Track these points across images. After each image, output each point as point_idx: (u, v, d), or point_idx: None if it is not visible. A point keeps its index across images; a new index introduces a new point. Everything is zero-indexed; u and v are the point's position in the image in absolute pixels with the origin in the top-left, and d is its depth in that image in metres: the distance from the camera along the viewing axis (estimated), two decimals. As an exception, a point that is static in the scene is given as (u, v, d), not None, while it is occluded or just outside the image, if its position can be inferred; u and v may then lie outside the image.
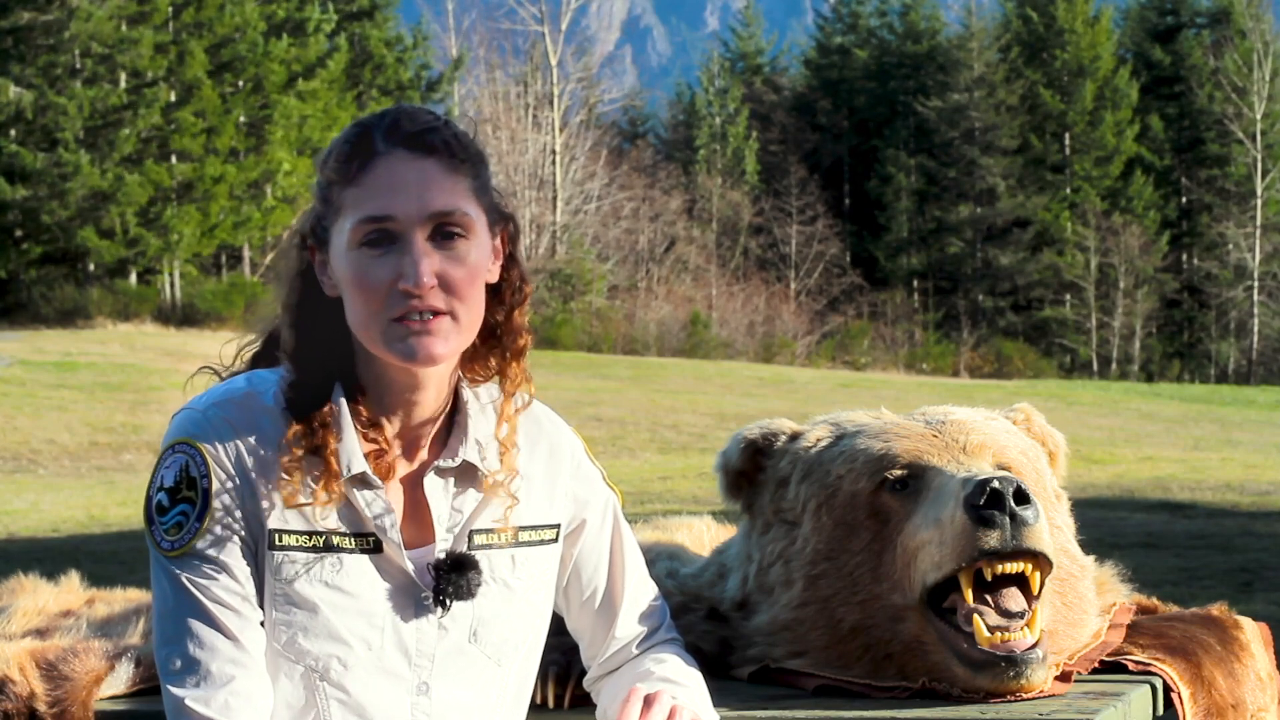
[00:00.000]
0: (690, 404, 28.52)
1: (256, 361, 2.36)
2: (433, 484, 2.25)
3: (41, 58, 41.09)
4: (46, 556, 10.17)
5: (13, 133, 40.54)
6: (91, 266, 41.87)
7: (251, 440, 2.19)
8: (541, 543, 2.33)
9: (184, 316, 40.06)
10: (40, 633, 3.10)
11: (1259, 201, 54.88)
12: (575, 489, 2.40)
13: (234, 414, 2.20)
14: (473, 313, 2.20)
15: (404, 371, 2.21)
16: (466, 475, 2.27)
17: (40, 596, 3.41)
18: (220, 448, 2.18)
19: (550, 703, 2.63)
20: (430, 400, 2.25)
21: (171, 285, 42.45)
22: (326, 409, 2.20)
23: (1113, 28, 58.57)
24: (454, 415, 2.29)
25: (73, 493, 18.04)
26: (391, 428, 2.25)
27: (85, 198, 40.23)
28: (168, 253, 41.56)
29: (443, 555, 2.23)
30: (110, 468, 21.59)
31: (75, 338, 35.37)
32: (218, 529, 2.16)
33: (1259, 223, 54.71)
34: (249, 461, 2.18)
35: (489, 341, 2.30)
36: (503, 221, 2.28)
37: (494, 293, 2.28)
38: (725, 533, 3.29)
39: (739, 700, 2.61)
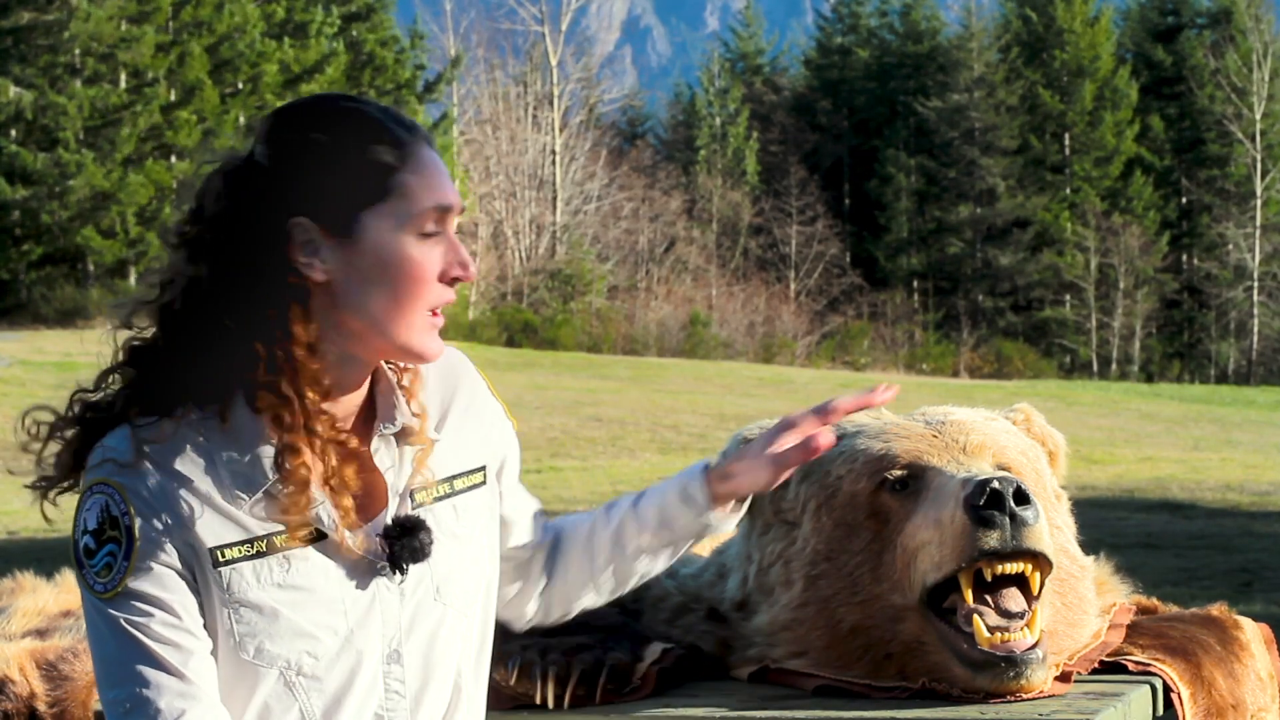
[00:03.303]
0: (690, 404, 28.49)
1: (136, 355, 2.26)
2: (379, 451, 2.21)
3: (41, 57, 41.07)
4: (46, 556, 10.14)
5: (13, 133, 40.54)
6: (91, 266, 41.87)
7: (173, 464, 2.12)
8: (474, 487, 2.31)
9: (184, 317, 40.02)
10: (40, 633, 3.10)
11: (1259, 202, 54.88)
12: (491, 430, 2.36)
13: (149, 437, 2.13)
14: None
15: (369, 362, 2.19)
16: (402, 435, 2.24)
17: (40, 596, 3.40)
18: (138, 480, 2.11)
19: (550, 703, 2.62)
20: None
21: (171, 285, 42.41)
22: (239, 419, 2.13)
23: (1113, 28, 58.56)
24: (374, 384, 2.24)
25: (73, 493, 18.00)
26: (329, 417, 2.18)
27: (86, 198, 40.23)
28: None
29: (390, 523, 2.19)
30: (110, 468, 21.56)
31: (75, 338, 35.31)
32: (148, 564, 2.10)
33: (1259, 223, 54.71)
34: (172, 486, 2.11)
35: None
36: None
37: None
38: (725, 533, 3.29)
39: (739, 700, 2.61)
